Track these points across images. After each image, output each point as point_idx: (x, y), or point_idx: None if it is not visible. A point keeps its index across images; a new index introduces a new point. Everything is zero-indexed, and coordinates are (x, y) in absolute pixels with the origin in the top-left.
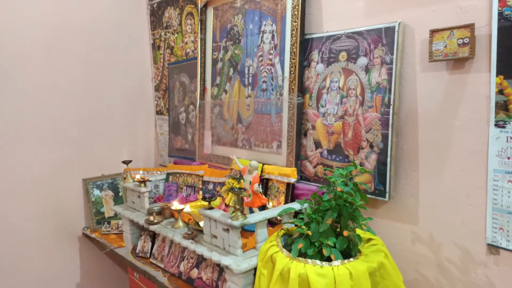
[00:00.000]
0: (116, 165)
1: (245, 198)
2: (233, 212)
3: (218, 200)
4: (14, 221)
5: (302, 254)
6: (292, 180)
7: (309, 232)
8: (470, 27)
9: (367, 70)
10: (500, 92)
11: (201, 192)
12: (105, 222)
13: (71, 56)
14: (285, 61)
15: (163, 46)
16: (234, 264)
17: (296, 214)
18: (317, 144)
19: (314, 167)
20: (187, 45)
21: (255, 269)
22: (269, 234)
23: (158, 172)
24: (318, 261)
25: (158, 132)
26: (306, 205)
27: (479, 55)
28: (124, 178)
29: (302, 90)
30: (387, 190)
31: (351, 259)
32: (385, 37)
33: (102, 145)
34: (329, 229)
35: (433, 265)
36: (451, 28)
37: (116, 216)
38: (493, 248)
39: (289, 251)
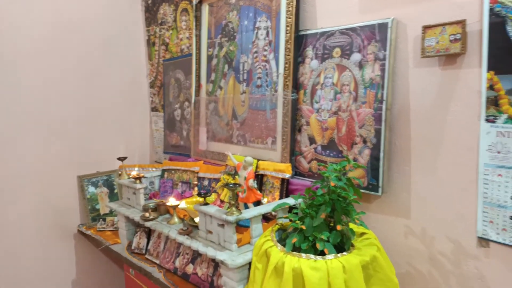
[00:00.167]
0: (111, 161)
1: (240, 193)
2: (228, 207)
3: (213, 196)
4: (9, 219)
5: (296, 249)
6: (287, 175)
7: (303, 227)
8: (462, 23)
9: (360, 66)
10: (491, 87)
11: (196, 188)
12: (101, 219)
13: (65, 53)
14: (280, 58)
15: (158, 43)
16: (229, 259)
17: (291, 209)
18: (312, 140)
19: (309, 162)
20: (182, 42)
21: (250, 263)
22: (264, 229)
23: (154, 169)
24: (312, 255)
25: (153, 129)
26: (300, 200)
27: (470, 51)
28: (119, 175)
29: (297, 86)
30: (380, 184)
31: (344, 253)
32: (378, 33)
33: (97, 142)
34: (322, 223)
35: (426, 258)
36: (443, 24)
37: (111, 213)
38: (484, 241)
39: (284, 245)
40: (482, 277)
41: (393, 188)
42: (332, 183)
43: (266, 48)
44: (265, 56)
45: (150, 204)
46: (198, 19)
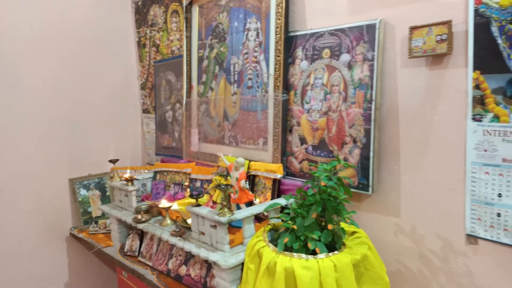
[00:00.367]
0: (103, 164)
1: (232, 194)
2: (221, 208)
3: (205, 197)
4: (0, 221)
5: (288, 248)
6: (278, 176)
7: (295, 227)
8: (448, 24)
9: (349, 66)
10: (477, 87)
11: (188, 190)
12: (93, 222)
13: (55, 54)
14: (270, 59)
15: (149, 44)
16: (222, 260)
17: (283, 209)
18: (302, 140)
19: (300, 162)
20: (173, 43)
21: (242, 264)
22: (256, 229)
23: (146, 171)
24: (303, 255)
25: (144, 131)
26: (291, 200)
27: (456, 51)
28: (111, 177)
29: (287, 87)
30: (370, 184)
31: (335, 252)
32: (366, 34)
33: (88, 144)
34: (314, 223)
35: (416, 256)
36: (429, 25)
37: (103, 215)
38: (472, 238)
39: (276, 245)
40: (470, 273)
41: (383, 187)
42: (322, 183)
43: (256, 49)
44: (255, 57)
45: (143, 206)
46: (188, 20)
